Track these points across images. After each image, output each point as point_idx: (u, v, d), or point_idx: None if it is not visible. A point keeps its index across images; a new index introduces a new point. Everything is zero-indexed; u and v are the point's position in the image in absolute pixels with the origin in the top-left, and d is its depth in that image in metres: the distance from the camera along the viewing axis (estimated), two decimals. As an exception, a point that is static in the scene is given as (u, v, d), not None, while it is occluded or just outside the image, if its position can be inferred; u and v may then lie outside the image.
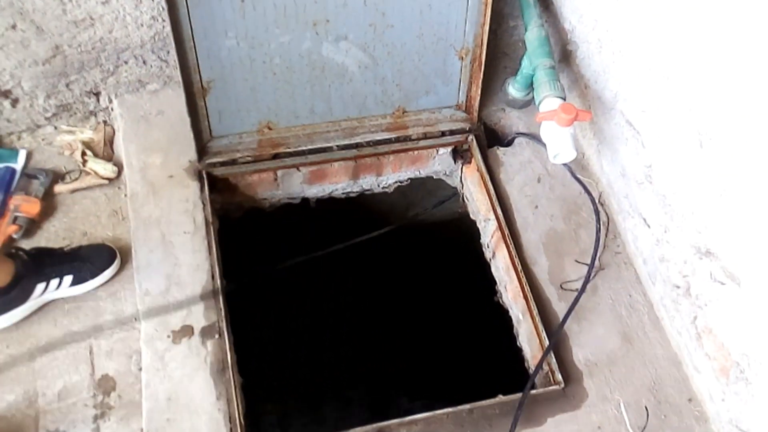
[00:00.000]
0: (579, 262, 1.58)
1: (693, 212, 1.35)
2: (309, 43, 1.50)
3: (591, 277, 1.55)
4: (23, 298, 1.40)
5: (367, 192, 1.78)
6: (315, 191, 1.73)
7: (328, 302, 2.22)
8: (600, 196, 1.68)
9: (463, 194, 1.79)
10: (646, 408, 1.41)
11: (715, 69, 1.19)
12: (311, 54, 1.51)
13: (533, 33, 1.56)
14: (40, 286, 1.40)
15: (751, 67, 1.09)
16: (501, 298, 1.65)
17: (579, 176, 1.67)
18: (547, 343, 1.45)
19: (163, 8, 1.36)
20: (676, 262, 1.45)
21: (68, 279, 1.43)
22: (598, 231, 1.60)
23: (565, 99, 1.48)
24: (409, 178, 1.77)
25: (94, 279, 1.46)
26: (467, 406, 1.38)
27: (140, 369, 1.39)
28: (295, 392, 2.24)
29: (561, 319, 1.50)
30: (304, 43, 1.49)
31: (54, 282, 1.41)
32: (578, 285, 1.55)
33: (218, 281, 1.46)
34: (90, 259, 1.46)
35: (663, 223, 1.46)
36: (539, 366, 1.43)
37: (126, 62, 1.60)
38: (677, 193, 1.39)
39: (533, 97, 1.63)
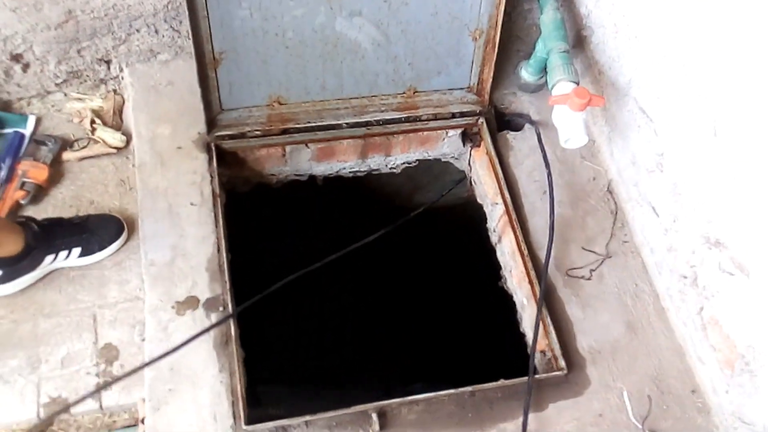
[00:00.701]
0: (586, 250, 1.58)
1: (704, 201, 1.34)
2: (323, 17, 1.48)
3: (597, 267, 1.55)
4: (32, 267, 1.41)
5: (374, 172, 1.76)
6: (323, 169, 1.72)
7: (333, 286, 2.22)
8: (609, 183, 1.67)
9: (471, 178, 1.78)
10: (649, 397, 1.41)
11: (732, 57, 1.17)
12: (324, 29, 1.50)
13: (549, 16, 1.55)
14: (49, 257, 1.41)
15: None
16: (505, 283, 1.64)
17: (589, 163, 1.66)
18: (551, 328, 1.45)
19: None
20: (684, 252, 1.44)
21: (77, 251, 1.43)
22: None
23: (578, 84, 1.46)
24: (417, 160, 1.76)
25: (102, 251, 1.46)
26: (469, 389, 1.38)
27: (143, 339, 1.39)
28: (298, 372, 2.24)
29: (565, 306, 1.49)
30: (317, 17, 1.48)
31: (63, 254, 1.42)
32: (584, 272, 1.55)
33: (224, 254, 1.45)
34: (98, 231, 1.46)
35: (673, 212, 1.45)
36: (534, 346, 1.42)
37: (138, 30, 1.59)
38: (688, 182, 1.38)
39: (546, 82, 1.61)
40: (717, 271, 1.34)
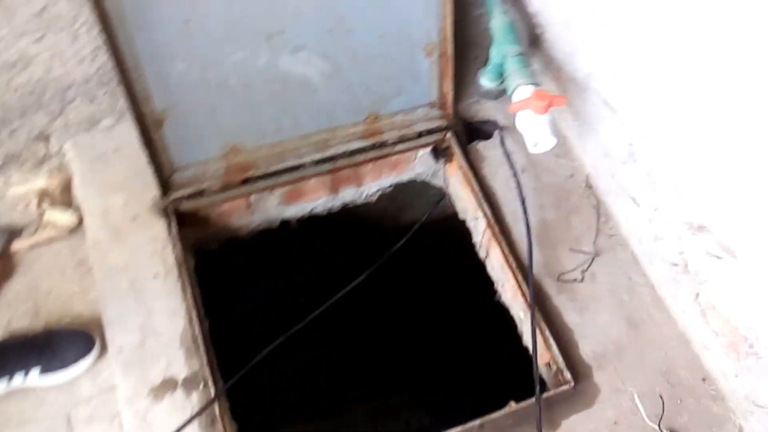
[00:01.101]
0: (574, 251, 1.53)
1: (680, 187, 1.31)
2: (265, 57, 1.40)
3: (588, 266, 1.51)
4: None
5: (349, 205, 1.70)
6: (293, 212, 1.65)
7: (323, 319, 2.15)
8: (587, 178, 1.63)
9: (449, 194, 1.72)
10: (660, 396, 1.38)
11: (687, 38, 1.13)
12: (269, 69, 1.42)
13: (497, 21, 1.50)
14: (2, 383, 1.29)
15: (720, 29, 1.04)
16: (501, 297, 1.59)
17: (564, 160, 1.62)
18: (551, 340, 1.40)
19: (102, 39, 1.25)
20: (670, 240, 1.41)
21: (35, 371, 1.31)
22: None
23: (538, 85, 1.42)
24: (391, 185, 1.69)
25: (66, 370, 1.33)
26: (477, 422, 1.31)
27: (124, 433, 1.30)
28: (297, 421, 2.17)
29: (562, 314, 1.45)
30: (260, 59, 1.40)
31: (18, 376, 1.30)
32: (576, 275, 1.51)
33: (196, 326, 1.36)
34: (62, 348, 1.34)
35: (652, 201, 1.42)
36: (535, 365, 1.35)
37: (72, 101, 1.49)
38: (662, 170, 1.34)
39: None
40: (705, 256, 1.31)
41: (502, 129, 1.64)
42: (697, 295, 1.39)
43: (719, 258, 1.28)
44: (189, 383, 1.33)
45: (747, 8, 0.98)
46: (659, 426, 1.34)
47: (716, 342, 1.38)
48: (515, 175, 1.54)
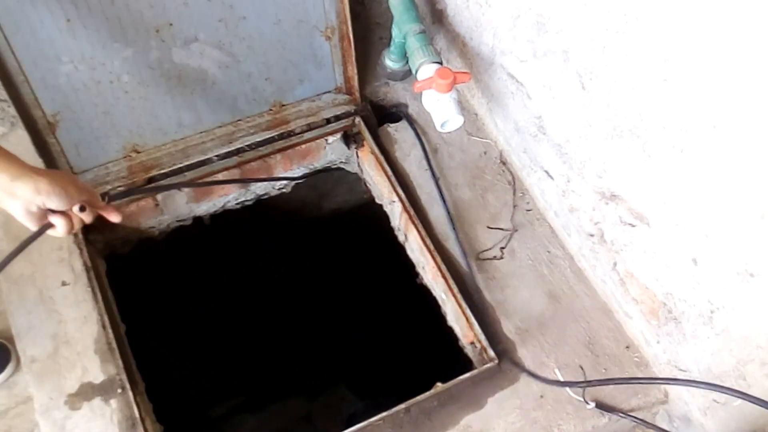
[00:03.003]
0: (492, 228, 1.51)
1: (590, 158, 1.29)
2: (156, 52, 1.35)
3: (507, 243, 1.49)
4: None
5: (264, 197, 1.66)
6: (205, 208, 1.60)
7: (253, 315, 2.11)
8: (500, 154, 1.60)
9: (364, 179, 1.69)
10: (581, 367, 1.36)
11: (585, 7, 1.11)
12: (162, 63, 1.37)
13: (396, -1, 1.46)
14: None
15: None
16: (423, 279, 1.57)
17: (476, 137, 1.59)
18: (473, 319, 1.38)
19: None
20: (585, 211, 1.39)
21: None
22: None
23: (441, 63, 1.39)
24: (304, 174, 1.65)
25: None
26: (403, 406, 1.30)
27: (43, 445, 1.26)
28: (226, 420, 2.13)
29: (483, 292, 1.43)
30: (150, 54, 1.35)
31: None
32: (495, 252, 1.49)
33: (110, 331, 1.33)
34: None
35: (564, 172, 1.40)
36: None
37: (-40, 110, 1.43)
38: (570, 141, 1.33)
39: (411, 66, 1.53)
40: (619, 225, 1.30)
41: (406, 112, 1.61)
42: (615, 264, 1.38)
43: (633, 226, 1.27)
44: (106, 388, 1.30)
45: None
46: (583, 396, 1.33)
47: (636, 309, 1.37)
48: (426, 156, 1.51)
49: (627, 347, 1.41)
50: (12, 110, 1.48)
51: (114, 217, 1.06)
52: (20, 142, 1.50)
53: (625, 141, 1.16)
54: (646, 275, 1.30)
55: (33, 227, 0.96)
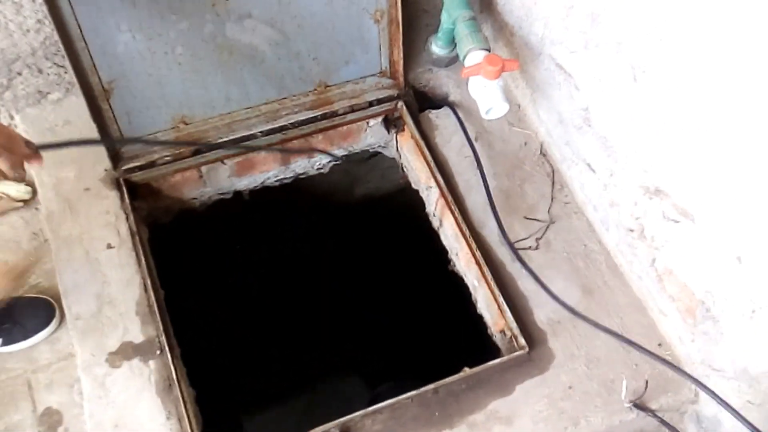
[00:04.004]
0: (528, 219, 1.52)
1: (636, 151, 1.29)
2: (211, 26, 1.39)
3: (542, 234, 1.49)
4: None
5: (302, 176, 1.68)
6: (246, 183, 1.63)
7: (282, 293, 2.14)
8: (541, 146, 1.60)
9: (401, 164, 1.70)
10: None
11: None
12: (215, 38, 1.40)
13: (448, -16, 1.47)
14: None
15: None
16: (455, 266, 1.58)
17: (517, 128, 1.60)
18: (505, 307, 1.39)
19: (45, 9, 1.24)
20: (626, 205, 1.39)
21: None
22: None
23: (489, 50, 1.39)
24: (344, 156, 1.67)
25: (27, 340, 1.35)
26: (431, 386, 1.31)
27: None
28: (256, 387, 2.16)
29: (516, 281, 1.44)
30: (205, 27, 1.38)
31: None
32: (531, 242, 1.49)
33: (151, 294, 1.37)
34: (23, 319, 1.35)
35: (608, 166, 1.40)
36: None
37: (20, 73, 1.48)
38: (617, 134, 1.32)
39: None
40: (662, 220, 1.29)
41: (449, 100, 1.62)
42: (654, 260, 1.37)
43: (676, 222, 1.26)
44: (145, 349, 1.33)
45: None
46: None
47: (672, 307, 1.36)
48: (470, 142, 1.52)
49: (659, 345, 1.40)
50: (68, 76, 1.54)
51: (36, 163, 1.02)
52: (74, 108, 1.56)
53: (675, 135, 1.16)
54: (685, 272, 1.29)
55: None
